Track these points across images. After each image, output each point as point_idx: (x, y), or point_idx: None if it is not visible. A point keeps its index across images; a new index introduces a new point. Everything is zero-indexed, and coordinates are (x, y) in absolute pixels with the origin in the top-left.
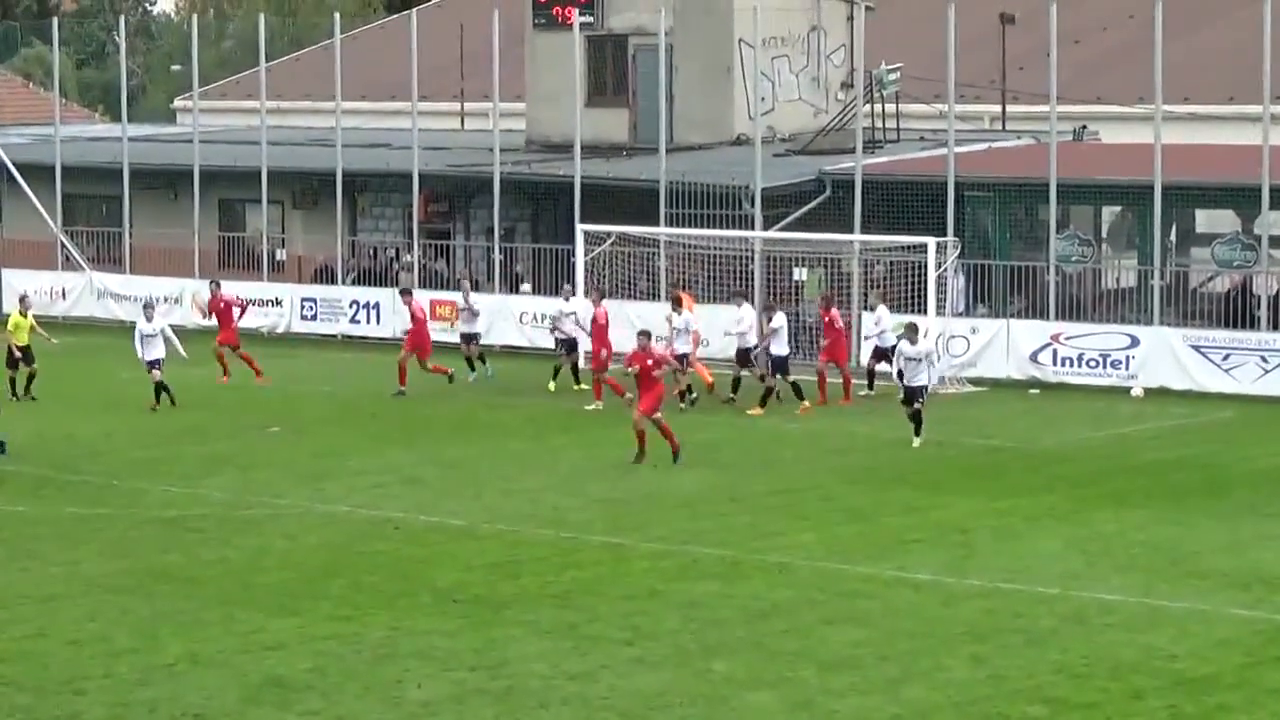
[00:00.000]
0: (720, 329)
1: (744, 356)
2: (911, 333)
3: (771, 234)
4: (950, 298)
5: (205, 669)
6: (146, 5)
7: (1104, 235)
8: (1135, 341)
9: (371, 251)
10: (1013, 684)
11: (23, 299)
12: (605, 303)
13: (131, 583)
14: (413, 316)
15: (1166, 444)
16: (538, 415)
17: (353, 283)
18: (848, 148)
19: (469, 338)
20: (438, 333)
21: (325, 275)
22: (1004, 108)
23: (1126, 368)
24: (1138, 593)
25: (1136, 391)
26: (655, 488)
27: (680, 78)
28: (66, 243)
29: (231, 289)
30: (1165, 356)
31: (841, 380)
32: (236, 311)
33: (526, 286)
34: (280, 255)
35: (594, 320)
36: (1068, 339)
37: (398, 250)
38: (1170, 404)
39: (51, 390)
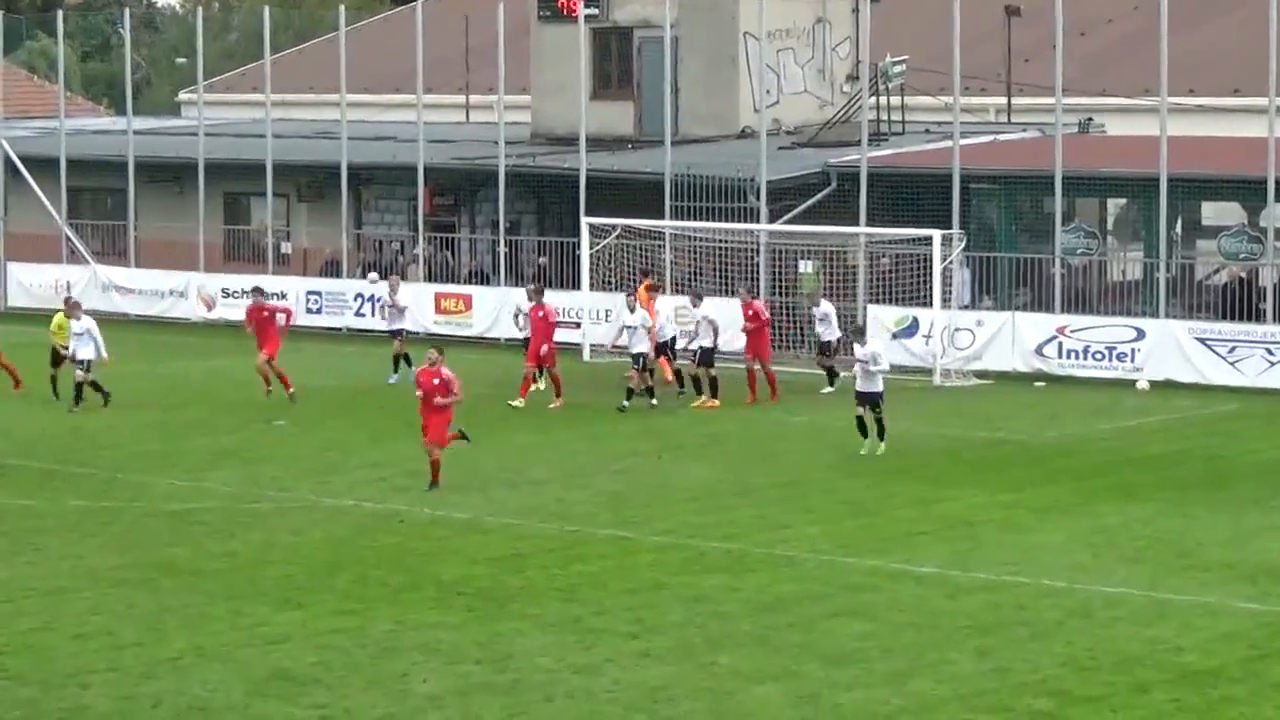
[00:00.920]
0: (736, 322)
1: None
2: (858, 334)
3: (777, 227)
4: (956, 290)
5: (210, 662)
6: None
7: (1109, 228)
8: (1141, 334)
9: (377, 245)
10: (1018, 677)
11: (68, 300)
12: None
13: (137, 576)
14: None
15: (1172, 437)
16: (542, 408)
17: (360, 276)
18: (853, 140)
19: (396, 334)
20: (440, 328)
21: (332, 269)
22: (1009, 100)
23: (1132, 360)
24: (1143, 585)
25: (1142, 384)
26: (660, 481)
27: (685, 70)
28: (71, 236)
29: (235, 282)
30: (1171, 349)
31: (765, 377)
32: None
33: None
34: (285, 248)
35: (532, 316)
36: (1073, 332)
37: (403, 244)
38: (1175, 397)
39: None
